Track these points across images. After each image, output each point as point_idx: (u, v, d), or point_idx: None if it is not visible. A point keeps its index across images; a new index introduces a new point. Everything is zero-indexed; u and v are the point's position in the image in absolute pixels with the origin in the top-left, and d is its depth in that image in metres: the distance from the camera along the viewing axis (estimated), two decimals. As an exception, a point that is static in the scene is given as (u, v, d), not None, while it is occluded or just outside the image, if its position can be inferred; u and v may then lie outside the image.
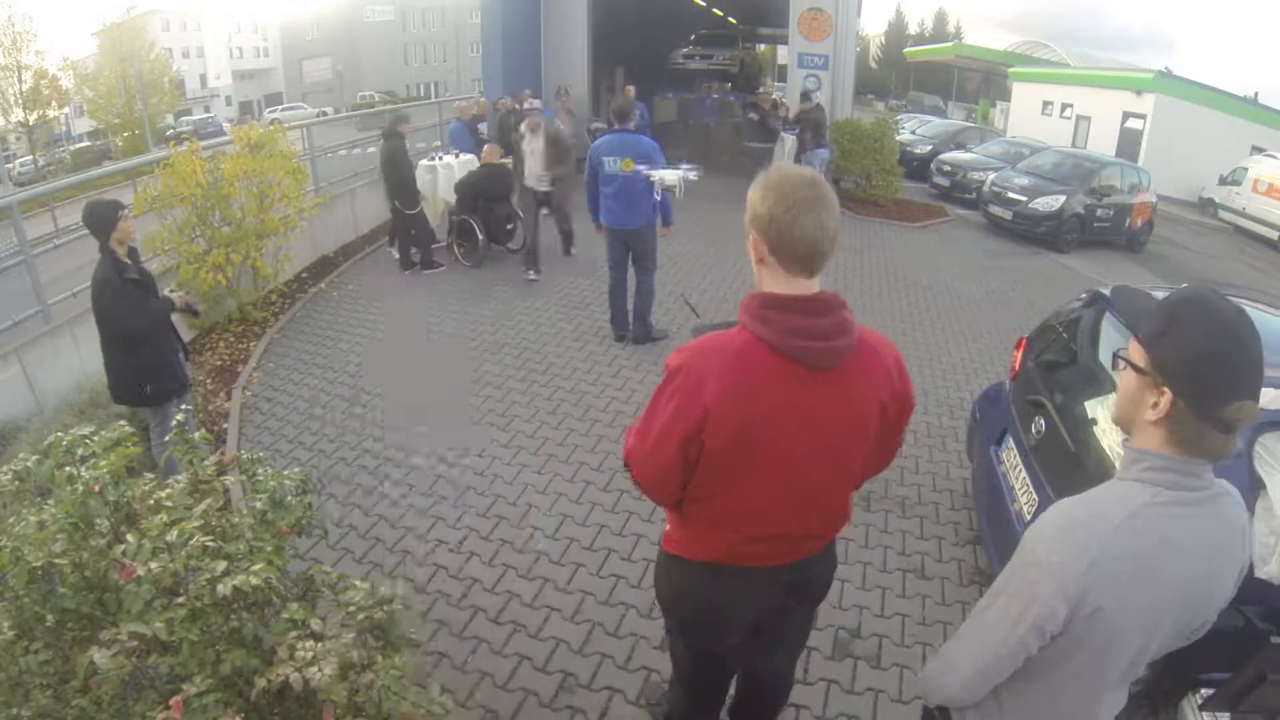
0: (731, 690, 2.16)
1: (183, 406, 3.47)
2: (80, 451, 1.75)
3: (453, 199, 7.57)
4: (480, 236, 7.33)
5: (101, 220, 3.29)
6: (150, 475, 1.89)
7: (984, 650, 1.29)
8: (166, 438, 1.98)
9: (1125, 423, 1.23)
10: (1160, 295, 1.23)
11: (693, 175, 5.16)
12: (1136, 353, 1.19)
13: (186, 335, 5.69)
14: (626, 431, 1.65)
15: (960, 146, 15.78)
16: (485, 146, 7.79)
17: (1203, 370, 1.11)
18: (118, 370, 3.48)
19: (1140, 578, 1.16)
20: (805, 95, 10.48)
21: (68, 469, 1.72)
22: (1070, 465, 2.80)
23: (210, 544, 1.54)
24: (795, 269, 1.44)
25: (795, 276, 1.45)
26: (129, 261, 3.39)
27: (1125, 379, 1.21)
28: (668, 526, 1.77)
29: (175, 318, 3.70)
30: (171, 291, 3.63)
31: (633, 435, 1.60)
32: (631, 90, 10.69)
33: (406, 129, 7.28)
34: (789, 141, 10.69)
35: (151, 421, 3.64)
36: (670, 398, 1.48)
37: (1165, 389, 1.13)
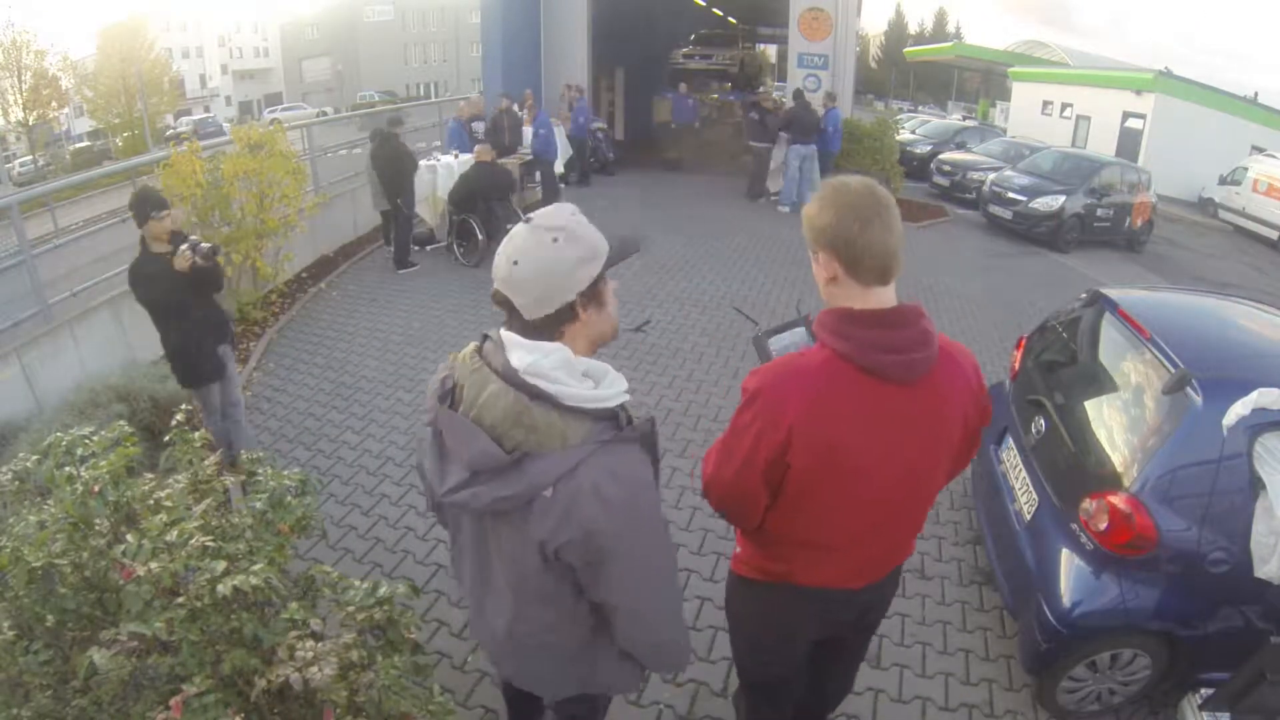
0: None
1: (183, 406, 3.47)
2: (80, 451, 1.75)
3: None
4: (480, 236, 7.33)
5: (135, 214, 3.41)
6: (150, 475, 1.89)
7: None
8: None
9: None
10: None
11: None
12: None
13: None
14: (704, 459, 1.61)
15: (960, 146, 15.77)
16: (477, 146, 7.76)
17: None
18: (166, 352, 3.64)
19: None
20: (798, 93, 10.48)
21: (67, 469, 1.72)
22: (1070, 465, 2.80)
23: (210, 544, 1.54)
24: (870, 279, 1.39)
25: (871, 288, 1.40)
26: (158, 253, 3.41)
27: None
28: (738, 549, 1.75)
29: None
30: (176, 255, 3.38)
31: (711, 463, 1.56)
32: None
33: (401, 129, 7.34)
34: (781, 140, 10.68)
35: (197, 404, 3.77)
36: (752, 421, 1.43)
37: None
